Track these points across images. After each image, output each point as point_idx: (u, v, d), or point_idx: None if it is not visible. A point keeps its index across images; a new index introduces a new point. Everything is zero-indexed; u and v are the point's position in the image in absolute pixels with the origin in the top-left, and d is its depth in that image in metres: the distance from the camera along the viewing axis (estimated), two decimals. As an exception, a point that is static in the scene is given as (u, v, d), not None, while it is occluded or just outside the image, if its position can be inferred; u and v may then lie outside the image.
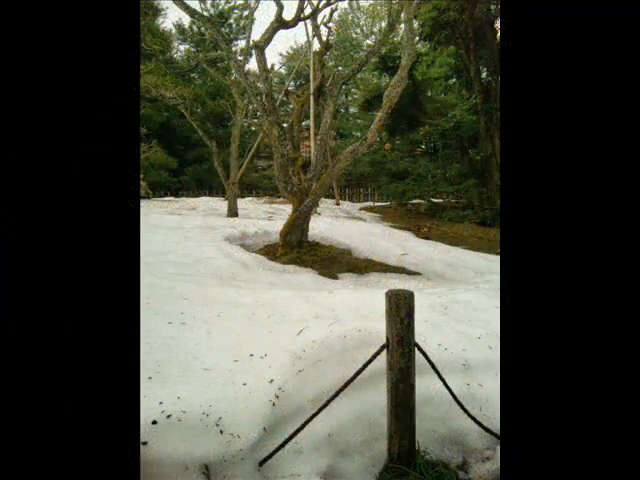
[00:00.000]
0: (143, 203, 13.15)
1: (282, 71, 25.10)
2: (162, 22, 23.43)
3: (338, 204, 15.93)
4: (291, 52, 28.26)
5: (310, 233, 6.03)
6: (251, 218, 10.29)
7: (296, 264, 5.05)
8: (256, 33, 35.13)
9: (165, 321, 2.37)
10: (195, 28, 22.56)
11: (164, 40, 21.53)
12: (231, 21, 22.51)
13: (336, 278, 4.67)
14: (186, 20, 23.70)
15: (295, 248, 5.50)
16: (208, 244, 5.46)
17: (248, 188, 21.15)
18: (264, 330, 2.25)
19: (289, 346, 2.00)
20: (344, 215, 12.57)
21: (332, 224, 8.37)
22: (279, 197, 17.21)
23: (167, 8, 21.55)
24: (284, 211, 12.11)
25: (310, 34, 10.37)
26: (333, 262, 5.27)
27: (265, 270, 4.63)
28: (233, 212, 10.67)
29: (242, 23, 21.74)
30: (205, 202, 15.29)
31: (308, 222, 5.77)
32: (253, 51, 5.77)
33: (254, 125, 18.05)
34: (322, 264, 5.13)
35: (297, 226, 5.55)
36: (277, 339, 2.12)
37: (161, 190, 20.63)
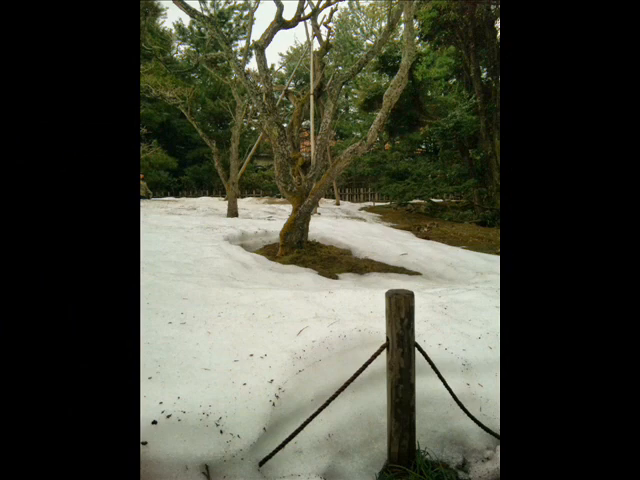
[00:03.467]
0: (143, 203, 13.17)
1: (282, 71, 25.12)
2: (162, 22, 23.52)
3: (338, 204, 15.94)
4: (291, 52, 28.29)
5: (310, 233, 6.03)
6: (251, 218, 10.30)
7: (296, 264, 5.05)
8: (256, 33, 35.21)
9: (165, 321, 2.37)
10: (195, 28, 22.58)
11: (164, 40, 21.55)
12: (231, 21, 22.52)
13: (336, 278, 4.66)
14: (186, 20, 23.77)
15: (295, 248, 5.50)
16: (208, 244, 5.46)
17: (248, 188, 21.17)
18: (264, 330, 2.25)
19: (289, 346, 2.00)
20: (344, 215, 12.58)
21: (332, 224, 8.37)
22: (279, 197, 17.23)
23: (167, 8, 21.60)
24: (284, 211, 12.12)
25: (310, 34, 10.39)
26: (333, 262, 5.27)
27: (265, 270, 4.63)
28: (233, 212, 10.68)
29: (242, 23, 21.75)
30: (205, 202, 15.30)
31: (308, 222, 5.77)
32: (253, 51, 5.77)
33: (254, 125, 18.06)
34: (322, 264, 5.13)
35: (297, 226, 5.55)
36: (277, 339, 2.12)
37: (161, 190, 20.65)
